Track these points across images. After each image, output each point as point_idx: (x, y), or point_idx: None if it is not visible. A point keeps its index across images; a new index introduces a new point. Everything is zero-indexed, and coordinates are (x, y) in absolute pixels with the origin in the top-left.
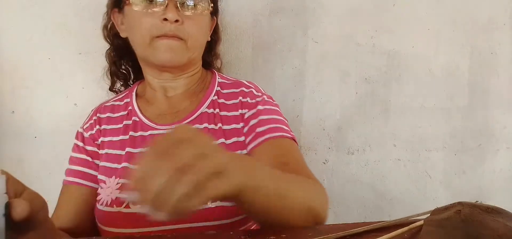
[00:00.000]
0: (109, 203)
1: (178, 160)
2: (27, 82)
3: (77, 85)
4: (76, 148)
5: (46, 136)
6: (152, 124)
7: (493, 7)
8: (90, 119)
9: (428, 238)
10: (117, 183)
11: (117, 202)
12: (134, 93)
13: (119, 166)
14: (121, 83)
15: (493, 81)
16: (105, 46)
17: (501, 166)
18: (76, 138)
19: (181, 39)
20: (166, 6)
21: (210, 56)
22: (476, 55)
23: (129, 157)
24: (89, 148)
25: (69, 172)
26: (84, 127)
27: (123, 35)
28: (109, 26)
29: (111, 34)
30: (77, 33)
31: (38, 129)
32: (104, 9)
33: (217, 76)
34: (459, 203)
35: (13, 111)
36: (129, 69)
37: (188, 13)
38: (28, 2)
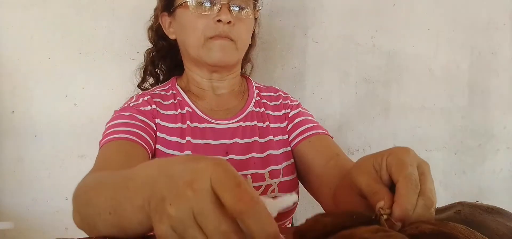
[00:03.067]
0: None
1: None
2: (27, 82)
3: (77, 85)
4: (124, 116)
5: (46, 136)
6: (207, 117)
7: (493, 7)
8: (138, 99)
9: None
10: None
11: None
12: (178, 87)
13: (182, 154)
14: (151, 82)
15: (493, 81)
16: (104, 46)
17: (501, 166)
18: (123, 111)
19: (232, 40)
20: (220, 8)
21: (242, 60)
22: (476, 55)
23: (190, 146)
24: (140, 117)
25: (114, 133)
26: (131, 104)
27: (172, 37)
28: (155, 27)
29: (156, 35)
30: (77, 33)
31: (38, 128)
32: (103, 9)
33: (252, 81)
34: (459, 203)
35: (13, 111)
36: (163, 69)
37: (239, 15)
38: (28, 2)
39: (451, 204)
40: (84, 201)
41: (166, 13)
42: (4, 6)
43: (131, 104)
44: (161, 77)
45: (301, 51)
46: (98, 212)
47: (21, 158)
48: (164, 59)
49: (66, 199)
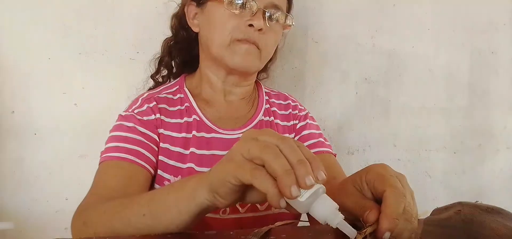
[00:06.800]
0: None
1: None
2: (27, 82)
3: (77, 85)
4: (126, 128)
5: (46, 136)
6: (214, 126)
7: (493, 7)
8: (142, 105)
9: (428, 238)
10: None
11: None
12: (186, 90)
13: (184, 166)
14: (164, 74)
15: (493, 81)
16: (104, 46)
17: (501, 166)
18: (126, 120)
19: (258, 48)
20: (255, 13)
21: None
22: (476, 55)
23: (194, 158)
24: (142, 129)
25: (115, 149)
26: (135, 112)
27: (195, 29)
28: (179, 15)
29: (179, 24)
30: (77, 33)
31: (38, 129)
32: (103, 9)
33: (262, 86)
34: (459, 203)
35: (13, 111)
36: (176, 61)
37: (271, 24)
38: (28, 2)
39: (451, 204)
40: (109, 216)
41: (194, 3)
42: (4, 6)
43: (135, 111)
44: (174, 70)
45: (301, 51)
46: (127, 221)
47: (21, 158)
48: (181, 51)
49: (66, 199)
